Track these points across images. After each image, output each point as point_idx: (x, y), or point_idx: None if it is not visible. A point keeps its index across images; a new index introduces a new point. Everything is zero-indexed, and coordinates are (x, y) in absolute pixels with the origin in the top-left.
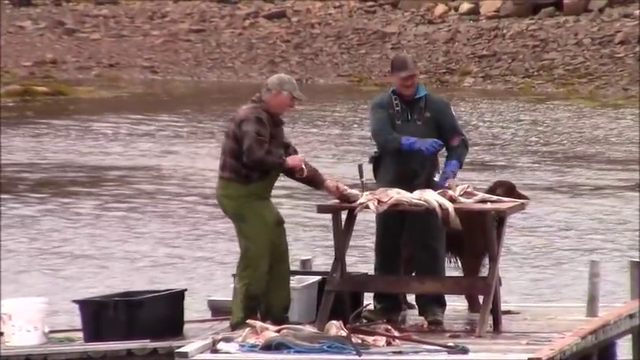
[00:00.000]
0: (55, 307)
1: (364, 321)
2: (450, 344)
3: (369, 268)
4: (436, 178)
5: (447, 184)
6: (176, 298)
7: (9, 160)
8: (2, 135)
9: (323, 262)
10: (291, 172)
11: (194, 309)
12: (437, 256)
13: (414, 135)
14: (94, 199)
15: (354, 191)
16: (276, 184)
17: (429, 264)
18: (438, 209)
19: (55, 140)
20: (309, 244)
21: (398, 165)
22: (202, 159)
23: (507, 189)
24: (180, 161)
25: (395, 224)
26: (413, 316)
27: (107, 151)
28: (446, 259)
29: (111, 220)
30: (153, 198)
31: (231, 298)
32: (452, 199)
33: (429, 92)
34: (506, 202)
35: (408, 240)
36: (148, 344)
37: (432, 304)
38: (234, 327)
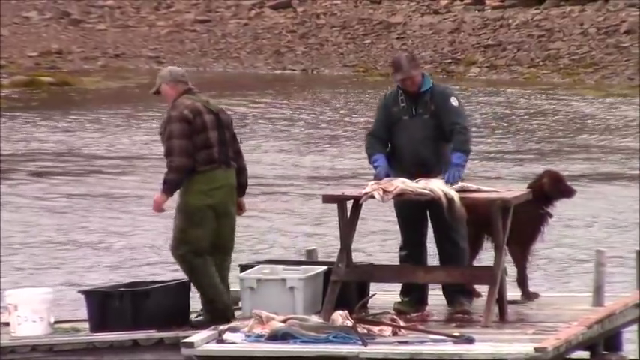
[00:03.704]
0: None
1: (370, 311)
2: (456, 334)
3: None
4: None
5: (459, 183)
6: (182, 288)
7: (40, 148)
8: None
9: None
10: None
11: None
12: (457, 246)
13: (423, 129)
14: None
15: None
16: None
17: (451, 255)
18: (443, 199)
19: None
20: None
21: (409, 154)
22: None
23: (553, 180)
24: None
25: (416, 215)
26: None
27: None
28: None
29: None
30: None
31: (238, 289)
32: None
33: (435, 83)
34: (513, 192)
35: (433, 231)
36: (154, 334)
37: (458, 294)
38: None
